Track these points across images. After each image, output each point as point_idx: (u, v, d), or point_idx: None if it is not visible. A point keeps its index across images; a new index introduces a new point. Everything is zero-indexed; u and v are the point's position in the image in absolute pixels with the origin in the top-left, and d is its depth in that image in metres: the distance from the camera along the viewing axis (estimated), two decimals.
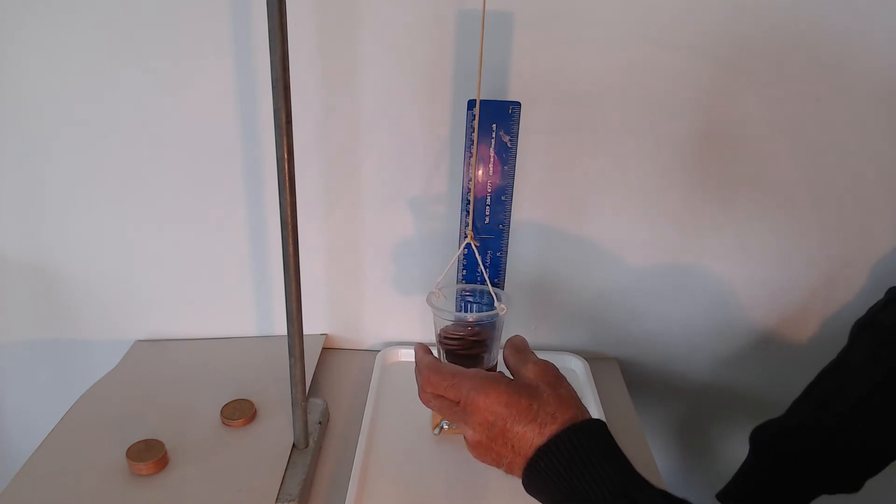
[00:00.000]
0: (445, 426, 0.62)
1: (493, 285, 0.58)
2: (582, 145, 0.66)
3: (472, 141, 0.54)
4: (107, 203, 0.69)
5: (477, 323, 0.55)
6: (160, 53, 0.62)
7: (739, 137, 0.65)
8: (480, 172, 0.55)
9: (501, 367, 0.52)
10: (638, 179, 0.67)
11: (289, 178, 0.48)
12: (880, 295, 0.62)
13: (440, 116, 0.65)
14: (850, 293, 0.73)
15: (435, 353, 0.57)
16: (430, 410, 0.64)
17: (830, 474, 0.59)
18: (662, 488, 0.41)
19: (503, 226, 0.57)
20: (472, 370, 0.48)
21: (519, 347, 0.51)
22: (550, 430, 0.43)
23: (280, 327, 0.76)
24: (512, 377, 0.48)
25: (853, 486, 0.59)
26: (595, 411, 0.65)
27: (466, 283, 0.59)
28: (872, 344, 0.59)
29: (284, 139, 0.46)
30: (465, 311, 0.59)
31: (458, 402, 0.47)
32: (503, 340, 0.58)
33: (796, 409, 0.62)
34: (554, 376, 0.47)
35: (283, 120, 0.46)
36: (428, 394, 0.49)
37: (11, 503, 0.53)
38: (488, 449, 0.46)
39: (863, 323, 0.61)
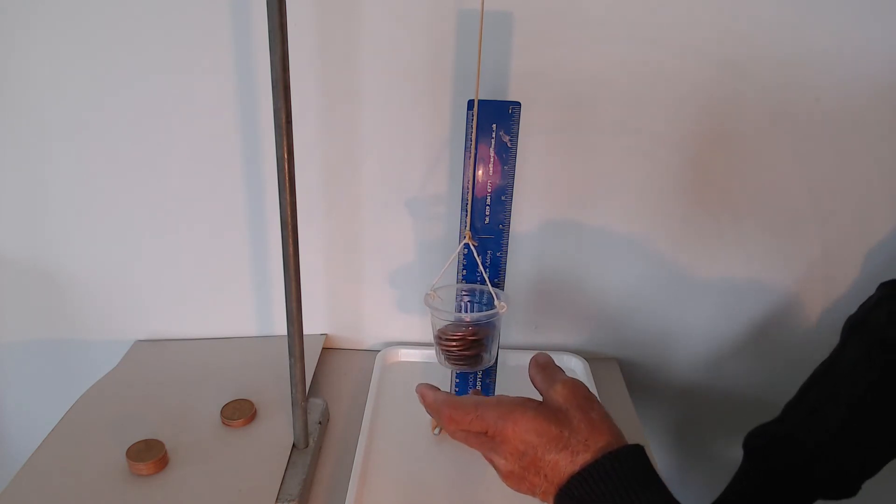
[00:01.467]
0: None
1: (492, 286, 0.58)
2: (582, 145, 0.66)
3: (472, 141, 0.54)
4: (107, 203, 0.69)
5: (475, 322, 0.55)
6: (160, 54, 0.62)
7: (738, 137, 0.65)
8: (480, 172, 0.55)
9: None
10: (638, 179, 0.67)
11: (289, 178, 0.48)
12: (873, 288, 0.61)
13: (440, 116, 0.65)
14: (850, 291, 0.73)
15: (433, 354, 0.57)
16: None
17: (827, 481, 0.59)
18: None
19: (503, 226, 0.57)
20: (494, 397, 0.46)
21: (544, 365, 0.48)
22: (583, 458, 0.41)
23: (280, 327, 0.76)
24: (541, 398, 0.46)
25: (850, 490, 0.59)
26: None
27: (465, 282, 0.59)
28: (864, 344, 0.58)
29: (284, 139, 0.46)
30: (464, 311, 0.59)
31: (486, 433, 0.44)
32: (503, 340, 0.58)
33: (789, 415, 0.62)
34: (584, 398, 0.44)
35: (283, 120, 0.46)
36: (451, 430, 0.47)
37: (11, 503, 0.53)
38: (521, 478, 0.43)
39: (854, 322, 0.60)
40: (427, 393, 0.49)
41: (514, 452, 0.43)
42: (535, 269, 0.72)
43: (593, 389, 0.68)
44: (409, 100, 0.64)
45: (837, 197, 0.68)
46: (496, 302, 0.55)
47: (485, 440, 0.45)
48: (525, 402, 0.44)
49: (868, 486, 0.60)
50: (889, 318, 0.57)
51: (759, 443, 0.62)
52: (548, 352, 0.74)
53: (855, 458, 0.58)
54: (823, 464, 0.58)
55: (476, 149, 0.54)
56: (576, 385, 0.45)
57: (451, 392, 0.62)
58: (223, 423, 0.62)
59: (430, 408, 0.49)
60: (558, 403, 0.44)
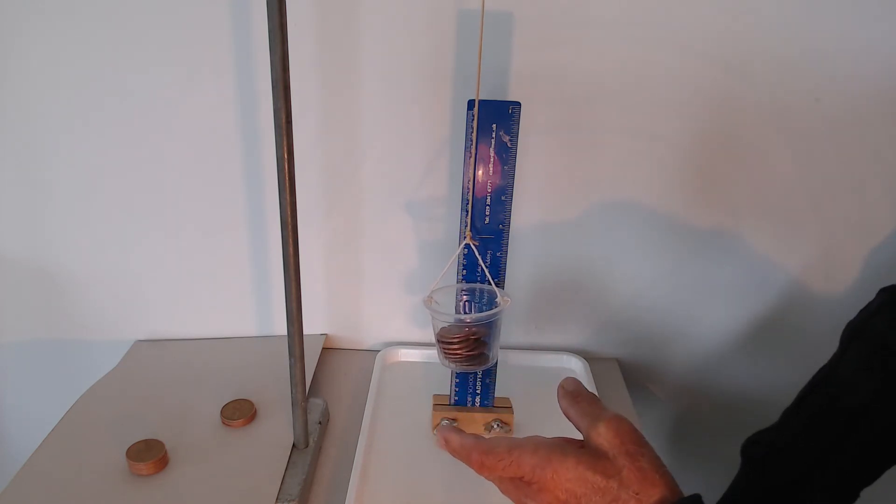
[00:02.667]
0: (445, 425, 0.62)
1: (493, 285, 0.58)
2: (582, 145, 0.66)
3: (472, 141, 0.54)
4: (107, 203, 0.69)
5: (475, 322, 0.55)
6: (160, 54, 0.62)
7: (739, 137, 0.65)
8: (480, 172, 0.55)
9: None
10: (638, 179, 0.67)
11: (289, 178, 0.48)
12: (873, 290, 0.61)
13: (440, 116, 0.65)
14: (850, 291, 0.73)
15: (433, 354, 0.57)
16: (430, 410, 0.64)
17: (825, 488, 0.59)
18: None
19: (503, 226, 0.57)
20: (530, 440, 0.42)
21: (575, 396, 0.44)
22: None
23: (280, 327, 0.76)
24: (577, 433, 0.43)
25: (849, 497, 0.59)
26: None
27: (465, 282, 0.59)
28: (865, 351, 0.57)
29: (284, 139, 0.46)
30: (463, 311, 0.59)
31: (522, 478, 0.41)
32: (503, 340, 0.58)
33: (788, 422, 0.62)
34: (632, 442, 0.40)
35: (283, 120, 0.46)
36: (484, 475, 0.43)
37: (11, 503, 0.53)
38: None
39: (854, 328, 0.60)
40: (452, 438, 0.44)
41: (554, 501, 0.40)
42: (535, 268, 0.72)
43: (593, 389, 0.68)
44: (409, 100, 0.64)
45: (838, 197, 0.68)
46: (499, 297, 0.55)
47: (520, 485, 0.42)
48: (564, 447, 0.41)
49: (867, 492, 0.59)
50: (890, 324, 0.57)
51: (758, 450, 0.62)
52: (548, 352, 0.75)
53: (854, 466, 0.58)
54: (822, 472, 0.58)
55: (476, 149, 0.54)
56: (622, 426, 0.41)
57: (452, 392, 0.63)
58: (223, 423, 0.62)
59: (457, 454, 0.44)
60: (603, 448, 0.40)
